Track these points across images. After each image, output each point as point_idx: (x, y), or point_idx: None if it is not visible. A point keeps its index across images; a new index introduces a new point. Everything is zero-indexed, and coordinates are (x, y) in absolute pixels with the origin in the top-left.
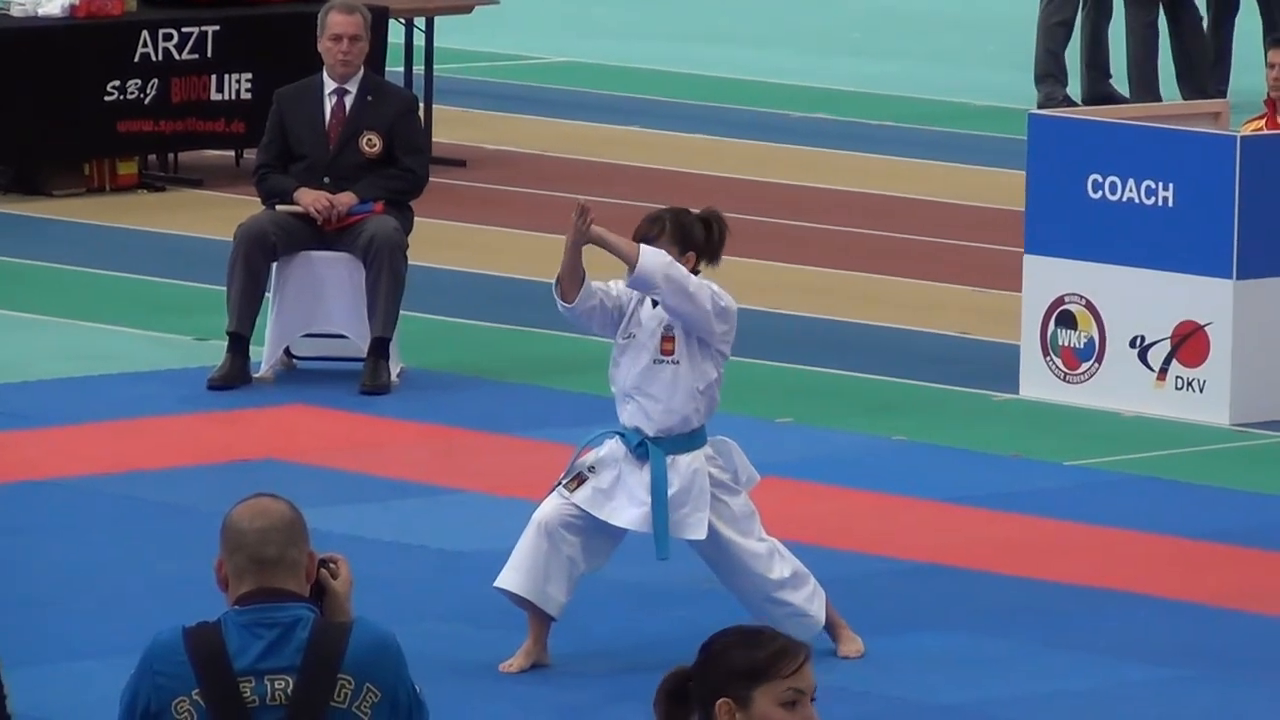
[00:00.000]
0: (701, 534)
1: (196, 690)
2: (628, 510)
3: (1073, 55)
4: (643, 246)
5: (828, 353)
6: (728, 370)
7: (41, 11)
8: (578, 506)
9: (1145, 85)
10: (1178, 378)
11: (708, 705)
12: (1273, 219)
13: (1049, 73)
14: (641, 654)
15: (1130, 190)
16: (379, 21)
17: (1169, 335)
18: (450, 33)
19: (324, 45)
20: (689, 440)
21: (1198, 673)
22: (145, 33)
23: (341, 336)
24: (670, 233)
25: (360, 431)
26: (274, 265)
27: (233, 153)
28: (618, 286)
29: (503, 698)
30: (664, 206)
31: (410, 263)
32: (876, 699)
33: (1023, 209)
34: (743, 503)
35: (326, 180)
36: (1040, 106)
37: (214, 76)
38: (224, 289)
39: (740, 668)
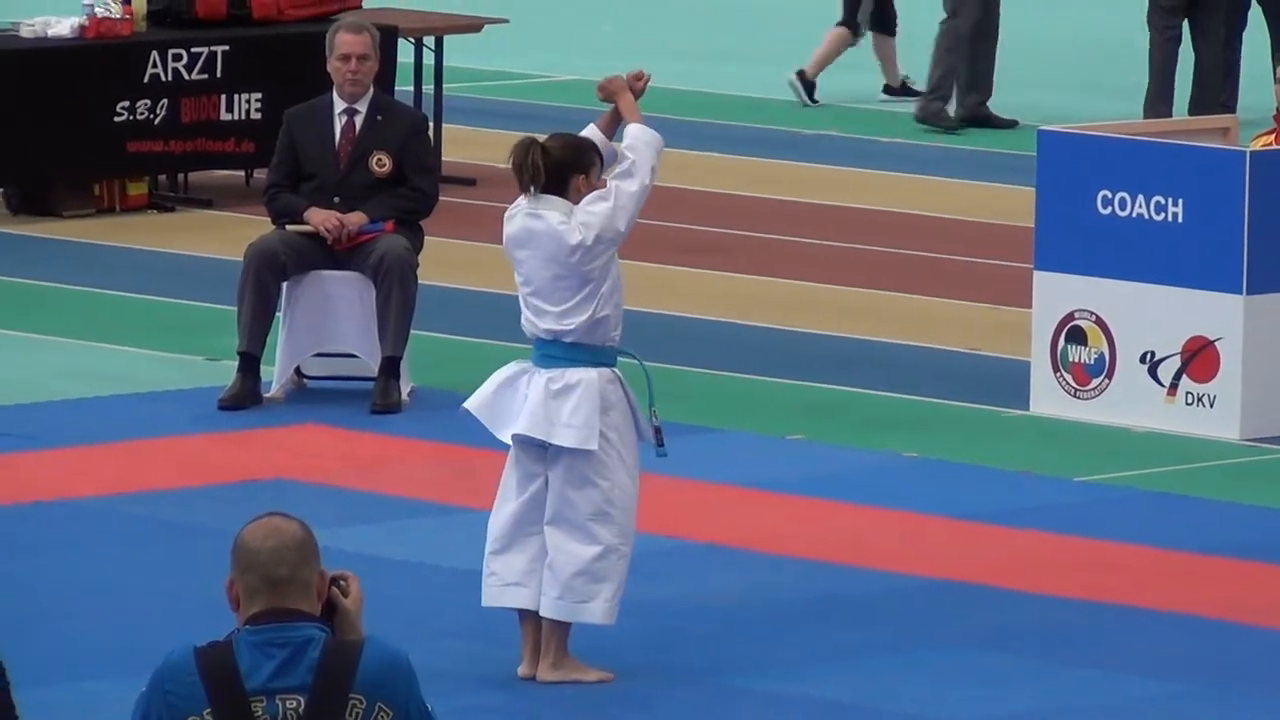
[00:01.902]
0: None
1: (208, 709)
2: None
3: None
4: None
5: (838, 369)
6: (737, 387)
7: (51, 32)
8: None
9: (1159, 100)
10: (1188, 393)
11: None
12: None
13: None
14: (656, 670)
15: (1140, 206)
16: (388, 41)
17: (1179, 351)
18: (459, 52)
19: (333, 65)
20: None
21: (1209, 688)
22: (155, 53)
23: (352, 356)
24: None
25: (371, 451)
26: (284, 285)
27: (243, 173)
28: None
29: (516, 715)
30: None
31: (420, 282)
32: (887, 715)
33: (1032, 225)
34: None
35: (337, 200)
36: (921, 120)
37: (223, 96)
38: (234, 309)
39: None
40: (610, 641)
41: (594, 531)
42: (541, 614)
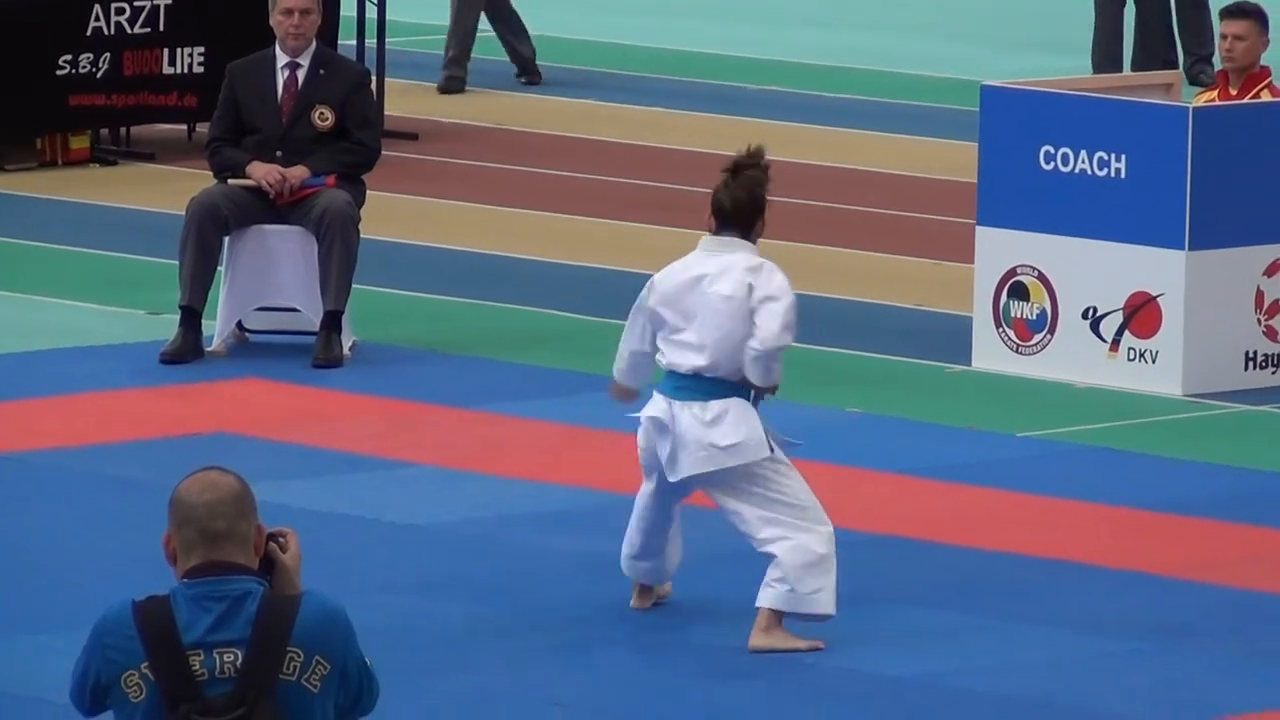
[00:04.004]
0: None
1: (145, 663)
2: None
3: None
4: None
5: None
6: None
7: None
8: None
9: (1109, 60)
10: (1130, 349)
11: None
12: (1225, 190)
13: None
14: (593, 624)
15: (1082, 162)
16: None
17: (1121, 306)
18: (402, 6)
19: (275, 19)
20: None
21: (1151, 643)
22: (97, 6)
23: (294, 310)
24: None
25: (312, 405)
26: (226, 239)
27: (185, 127)
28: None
29: (455, 670)
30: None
31: (362, 236)
32: (830, 671)
33: (975, 181)
34: None
35: (279, 154)
36: (444, 88)
37: (166, 50)
38: (176, 263)
39: None
40: (560, 593)
41: (808, 525)
42: (769, 607)
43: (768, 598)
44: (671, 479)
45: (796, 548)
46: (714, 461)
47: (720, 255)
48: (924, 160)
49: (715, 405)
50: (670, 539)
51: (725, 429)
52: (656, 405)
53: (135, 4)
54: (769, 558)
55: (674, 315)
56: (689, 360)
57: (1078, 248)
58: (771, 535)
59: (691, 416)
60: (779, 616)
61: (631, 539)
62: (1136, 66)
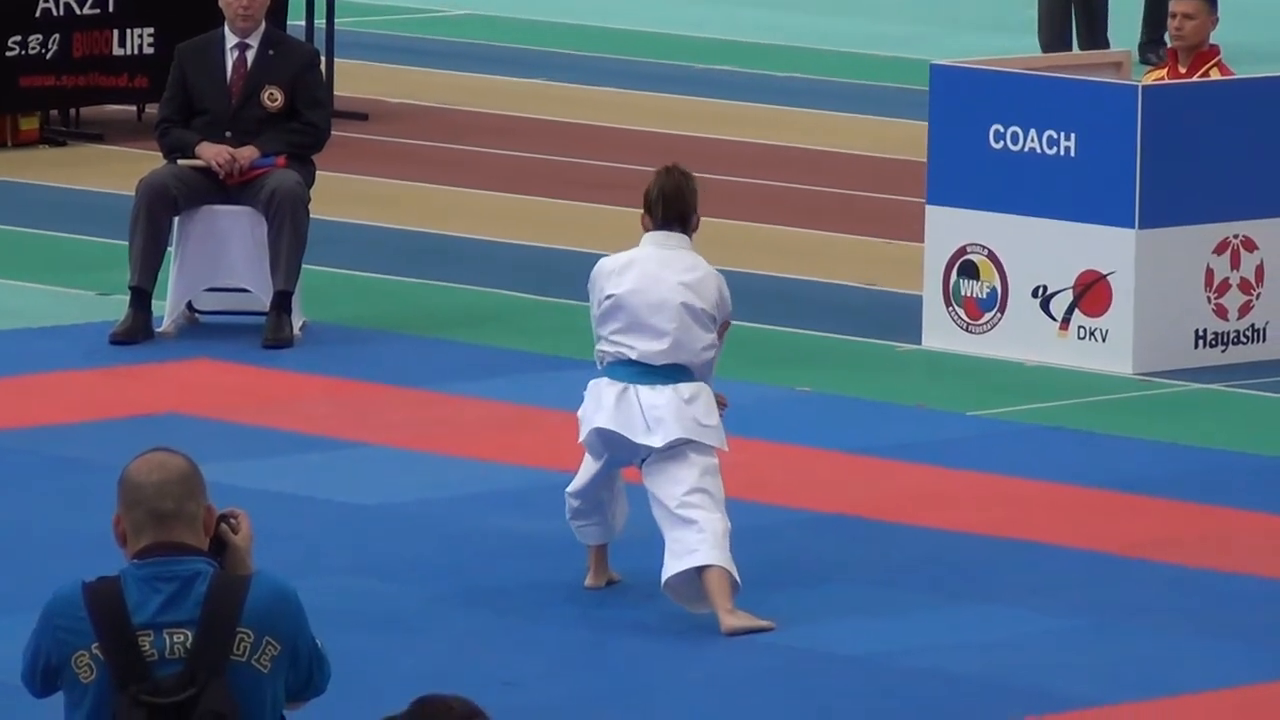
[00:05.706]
0: None
1: (96, 644)
2: None
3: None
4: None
5: (731, 303)
6: None
7: None
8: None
9: (1057, 40)
10: (1080, 327)
11: None
12: (1174, 168)
13: None
14: (545, 604)
15: (1032, 140)
16: None
17: (1071, 285)
18: None
19: (224, 0)
20: None
21: (1102, 622)
22: None
23: (244, 290)
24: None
25: (263, 385)
26: (176, 220)
27: (135, 108)
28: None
29: (406, 650)
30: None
31: (312, 216)
32: (782, 650)
33: (925, 159)
34: None
35: (228, 134)
36: None
37: (116, 31)
38: (126, 244)
39: None
40: (511, 573)
41: (721, 508)
42: (715, 564)
43: (706, 554)
44: (658, 444)
45: (717, 519)
46: (697, 433)
47: (670, 250)
48: (874, 139)
49: (686, 388)
50: (614, 496)
51: (700, 409)
52: (611, 388)
53: None
54: (687, 522)
55: (630, 311)
56: (655, 346)
57: (1028, 226)
58: (697, 501)
59: (673, 392)
60: (735, 589)
61: (570, 501)
62: (1084, 45)
